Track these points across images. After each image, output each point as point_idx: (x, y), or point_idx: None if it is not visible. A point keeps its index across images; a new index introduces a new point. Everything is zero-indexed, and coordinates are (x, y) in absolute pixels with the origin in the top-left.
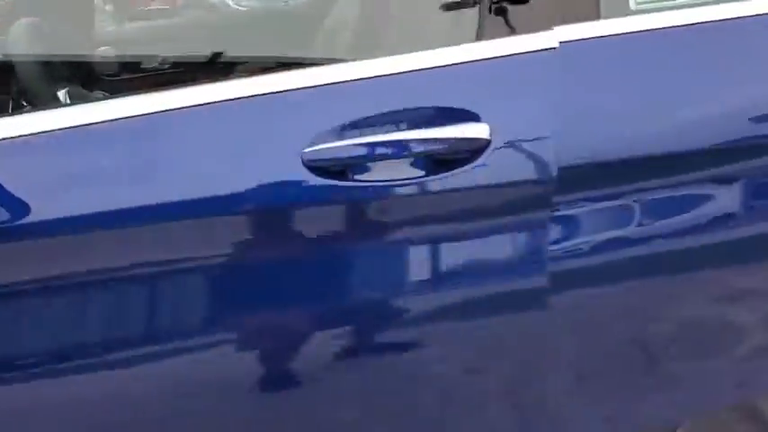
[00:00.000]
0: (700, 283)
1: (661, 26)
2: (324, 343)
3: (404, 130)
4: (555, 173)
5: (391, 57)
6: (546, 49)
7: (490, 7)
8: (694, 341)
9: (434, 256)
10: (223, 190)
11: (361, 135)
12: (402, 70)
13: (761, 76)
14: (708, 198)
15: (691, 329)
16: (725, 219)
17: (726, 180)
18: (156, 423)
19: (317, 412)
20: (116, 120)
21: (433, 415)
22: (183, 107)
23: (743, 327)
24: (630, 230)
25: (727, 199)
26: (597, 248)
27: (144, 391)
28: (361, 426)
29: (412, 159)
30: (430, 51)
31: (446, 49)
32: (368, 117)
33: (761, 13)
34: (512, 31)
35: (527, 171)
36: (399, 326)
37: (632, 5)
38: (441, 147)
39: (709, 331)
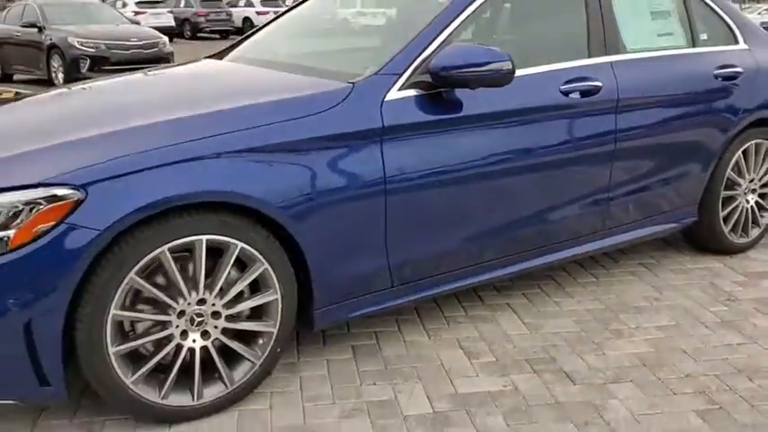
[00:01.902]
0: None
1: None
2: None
3: (575, 83)
4: (617, 97)
5: (568, 61)
6: (608, 62)
7: None
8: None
9: (586, 124)
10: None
11: (569, 84)
12: (567, 67)
13: (677, 74)
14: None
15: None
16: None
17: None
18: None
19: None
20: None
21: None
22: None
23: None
24: (633, 121)
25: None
26: (631, 128)
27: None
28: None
29: (581, 92)
30: (574, 61)
31: (578, 60)
32: (569, 79)
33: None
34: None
35: (611, 96)
36: (583, 156)
37: (628, 48)
38: (588, 88)
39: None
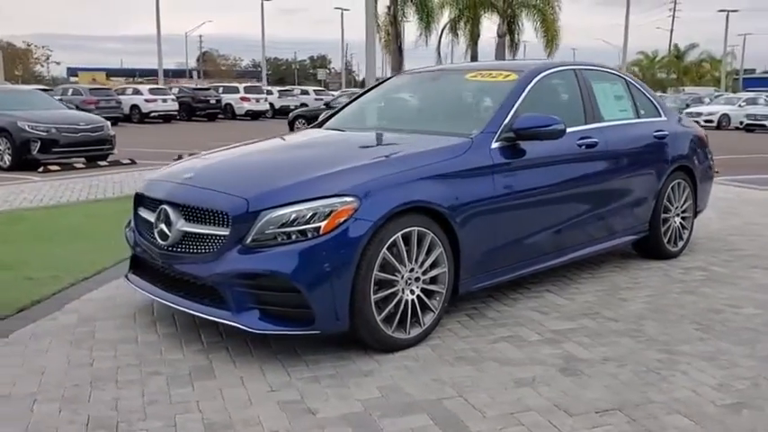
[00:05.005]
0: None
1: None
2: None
3: (583, 140)
4: (605, 149)
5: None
6: (597, 127)
7: None
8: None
9: (589, 165)
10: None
11: (580, 140)
12: (577, 129)
13: (634, 134)
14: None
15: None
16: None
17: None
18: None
19: None
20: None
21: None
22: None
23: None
24: (614, 164)
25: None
26: (614, 168)
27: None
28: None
29: (586, 145)
30: (580, 126)
31: (581, 125)
32: (580, 137)
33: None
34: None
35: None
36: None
37: (605, 118)
38: (590, 143)
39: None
